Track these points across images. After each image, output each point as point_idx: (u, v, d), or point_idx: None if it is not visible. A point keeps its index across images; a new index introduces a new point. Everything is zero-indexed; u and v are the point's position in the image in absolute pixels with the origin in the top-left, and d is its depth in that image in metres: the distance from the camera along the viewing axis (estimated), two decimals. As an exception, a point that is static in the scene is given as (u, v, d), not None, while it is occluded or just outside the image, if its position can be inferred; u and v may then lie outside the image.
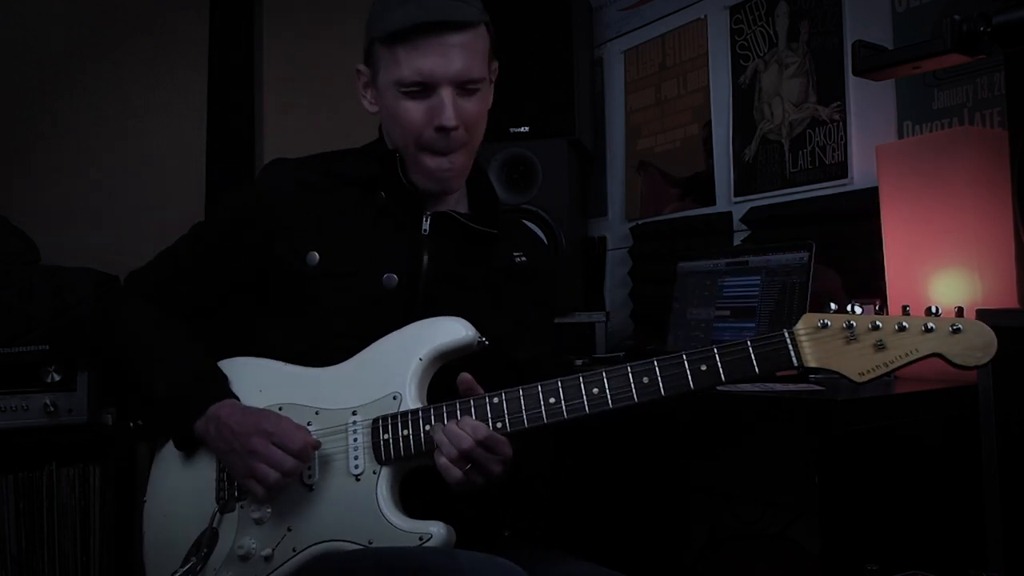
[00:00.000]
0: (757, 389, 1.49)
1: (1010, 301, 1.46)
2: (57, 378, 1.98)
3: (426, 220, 1.37)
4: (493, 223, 1.41)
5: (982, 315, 1.36)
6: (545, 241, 1.59)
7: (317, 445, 1.23)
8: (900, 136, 2.02)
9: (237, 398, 1.30)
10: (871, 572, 1.14)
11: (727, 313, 2.00)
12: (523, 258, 1.44)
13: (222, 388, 1.30)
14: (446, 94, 1.28)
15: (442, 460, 1.17)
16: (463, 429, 1.17)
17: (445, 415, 1.20)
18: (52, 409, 1.96)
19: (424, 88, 1.28)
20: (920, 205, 1.63)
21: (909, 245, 1.65)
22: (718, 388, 1.49)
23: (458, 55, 1.27)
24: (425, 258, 1.35)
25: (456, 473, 1.16)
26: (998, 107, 1.82)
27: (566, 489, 2.24)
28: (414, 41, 1.26)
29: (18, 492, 1.95)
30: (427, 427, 1.20)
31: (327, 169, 1.40)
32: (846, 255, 1.95)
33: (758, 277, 1.93)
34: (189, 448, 1.32)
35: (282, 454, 1.20)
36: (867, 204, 1.83)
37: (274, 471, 1.19)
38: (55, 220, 2.40)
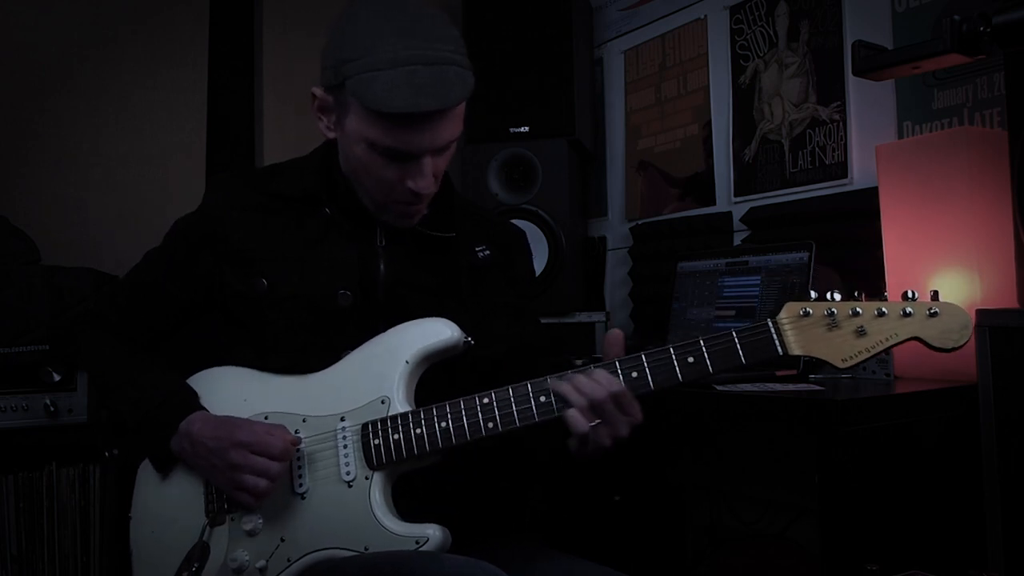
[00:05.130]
0: (757, 389, 1.49)
1: (1010, 301, 1.46)
2: (57, 378, 1.98)
3: (380, 231, 1.34)
4: (450, 225, 1.37)
5: (982, 315, 1.37)
6: (516, 229, 1.54)
7: (297, 441, 1.23)
8: (900, 136, 2.02)
9: (205, 410, 1.29)
10: (871, 572, 1.13)
11: (727, 313, 2.00)
12: (486, 252, 1.41)
13: (188, 403, 1.29)
14: (426, 163, 1.23)
15: (571, 411, 1.14)
16: (597, 380, 1.15)
17: (435, 417, 1.19)
18: (52, 409, 1.96)
19: (404, 155, 1.22)
20: (920, 205, 1.63)
21: (909, 245, 1.65)
22: (717, 388, 1.50)
23: (442, 130, 1.21)
24: (382, 267, 1.33)
25: (583, 425, 1.14)
26: (998, 107, 1.81)
27: (567, 488, 2.24)
28: (399, 119, 1.18)
29: (18, 492, 1.95)
30: (417, 430, 1.19)
31: (270, 189, 1.36)
32: (846, 255, 1.95)
33: (758, 277, 1.93)
34: (168, 468, 1.31)
35: (265, 461, 1.19)
36: (867, 204, 1.83)
37: (262, 479, 1.19)
38: (55, 220, 2.41)
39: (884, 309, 1.11)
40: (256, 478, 1.19)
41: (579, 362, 2.19)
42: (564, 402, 1.16)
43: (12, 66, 2.41)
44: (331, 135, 1.29)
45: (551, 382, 1.18)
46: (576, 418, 1.15)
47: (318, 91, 1.27)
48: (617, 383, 1.15)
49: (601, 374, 1.16)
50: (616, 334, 1.21)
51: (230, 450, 1.20)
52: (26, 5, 2.44)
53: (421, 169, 1.23)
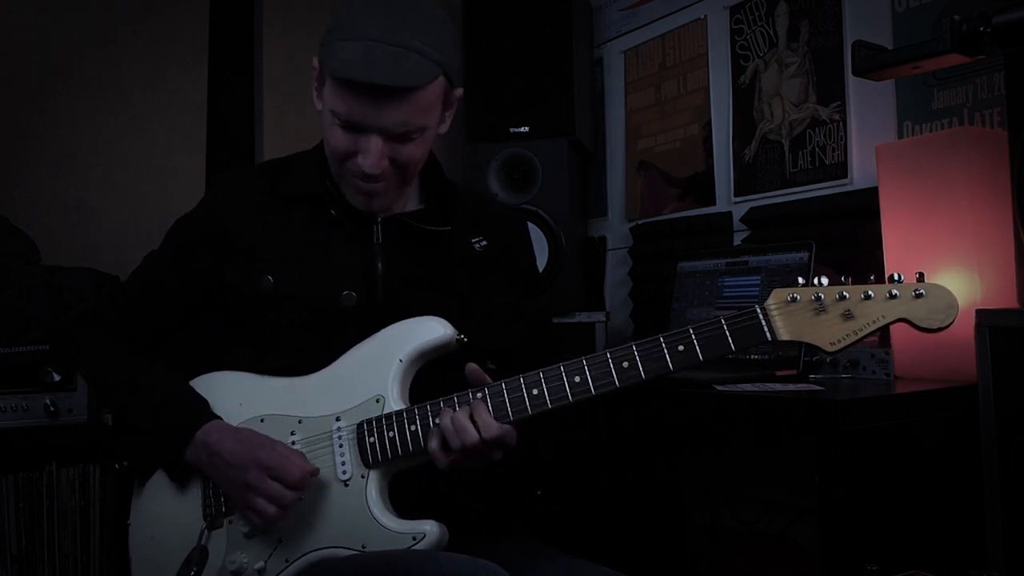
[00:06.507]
0: (757, 389, 1.49)
1: (1010, 301, 1.46)
2: (57, 378, 1.98)
3: (377, 229, 1.34)
4: (445, 219, 1.38)
5: (982, 315, 1.37)
6: (517, 222, 1.55)
7: (315, 472, 1.22)
8: (900, 136, 2.02)
9: (219, 418, 1.28)
10: (871, 572, 1.14)
11: (727, 313, 2.00)
12: (483, 242, 1.41)
13: (203, 412, 1.29)
14: (374, 141, 1.23)
15: (432, 444, 1.17)
16: (476, 423, 1.16)
17: (430, 414, 1.20)
18: (52, 409, 1.96)
19: (355, 127, 1.24)
20: (920, 205, 1.63)
21: (909, 245, 1.65)
22: (717, 388, 1.50)
23: (394, 111, 1.21)
24: (380, 266, 1.33)
25: (444, 462, 1.17)
26: (998, 107, 1.82)
27: (566, 488, 2.24)
28: (352, 89, 1.20)
29: (18, 492, 1.95)
30: (412, 427, 1.20)
31: (274, 189, 1.36)
32: (846, 255, 1.95)
33: (758, 277, 1.93)
34: (183, 478, 1.30)
35: (281, 488, 1.19)
36: (867, 204, 1.83)
37: (273, 506, 1.19)
38: (55, 220, 2.40)
39: (870, 292, 1.12)
40: (268, 504, 1.19)
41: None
42: (508, 416, 1.17)
43: (12, 66, 2.41)
44: (319, 105, 1.32)
45: (441, 414, 1.18)
46: (437, 454, 1.17)
47: (315, 60, 1.31)
48: (494, 429, 1.16)
49: (483, 417, 1.16)
50: (472, 367, 1.21)
51: (250, 469, 1.20)
52: (26, 5, 2.44)
53: (368, 146, 1.24)
